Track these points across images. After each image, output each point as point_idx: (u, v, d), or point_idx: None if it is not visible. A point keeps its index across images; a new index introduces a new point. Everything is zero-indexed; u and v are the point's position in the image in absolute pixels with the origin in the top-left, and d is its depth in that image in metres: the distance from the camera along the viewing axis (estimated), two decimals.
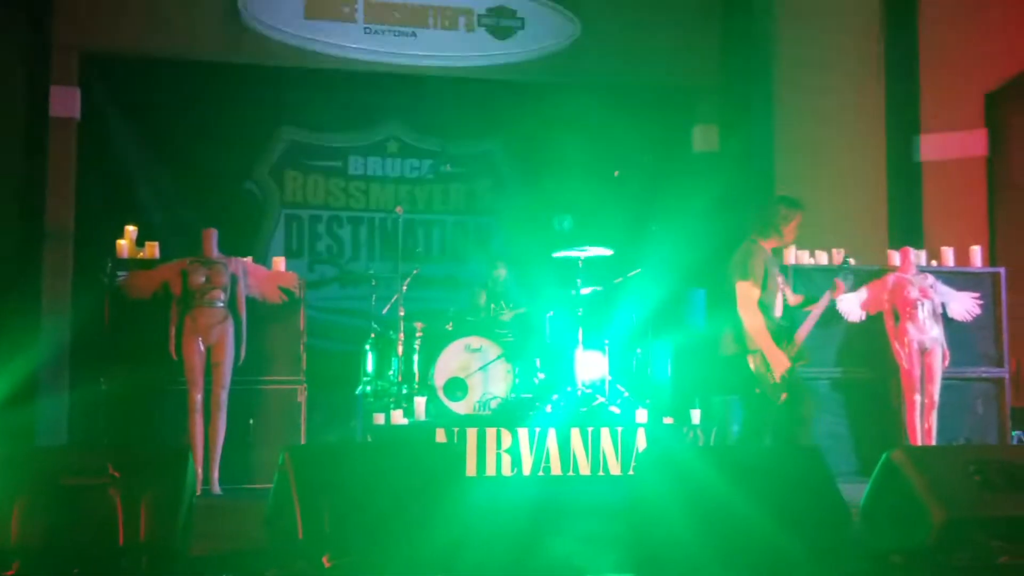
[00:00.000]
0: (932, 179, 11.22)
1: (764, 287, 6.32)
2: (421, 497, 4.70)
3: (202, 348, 7.33)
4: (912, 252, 8.31)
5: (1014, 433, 8.64)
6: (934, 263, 8.60)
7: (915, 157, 11.26)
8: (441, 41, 10.91)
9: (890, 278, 8.17)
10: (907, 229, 10.83)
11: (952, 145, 11.21)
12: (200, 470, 7.21)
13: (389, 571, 4.46)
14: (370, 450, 5.90)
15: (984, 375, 8.52)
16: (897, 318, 8.05)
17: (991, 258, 10.07)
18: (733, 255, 6.50)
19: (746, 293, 6.29)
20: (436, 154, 11.01)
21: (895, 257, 8.36)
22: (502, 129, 11.14)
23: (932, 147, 11.26)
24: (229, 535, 5.63)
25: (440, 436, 7.66)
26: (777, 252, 6.92)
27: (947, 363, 8.09)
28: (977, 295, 8.46)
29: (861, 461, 8.23)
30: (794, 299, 6.71)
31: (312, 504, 4.52)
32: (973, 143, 11.15)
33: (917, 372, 7.97)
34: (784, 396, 6.18)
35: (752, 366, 6.26)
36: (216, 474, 7.34)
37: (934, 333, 8.04)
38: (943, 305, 8.22)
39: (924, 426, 7.96)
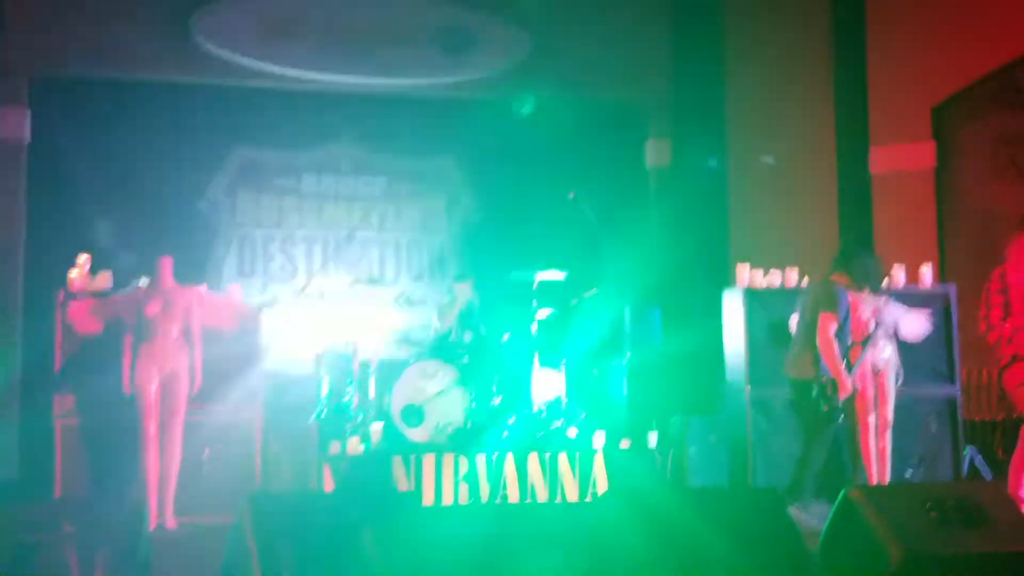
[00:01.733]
0: (882, 192, 11.35)
1: (841, 319, 7.26)
2: (381, 541, 4.68)
3: (156, 379, 7.25)
4: None
5: (966, 450, 8.74)
6: (885, 282, 8.68)
7: (865, 170, 11.38)
8: (393, 59, 10.86)
9: None
10: (859, 245, 10.93)
11: (901, 158, 11.34)
12: (154, 503, 7.14)
13: None
14: (328, 497, 5.87)
15: (936, 393, 8.61)
16: None
17: (941, 272, 10.20)
18: (813, 288, 7.46)
19: (825, 325, 7.13)
20: (390, 172, 10.98)
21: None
22: (456, 146, 11.13)
23: (882, 160, 11.39)
24: None
25: (397, 464, 7.64)
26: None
27: (900, 383, 8.16)
28: (929, 313, 8.54)
29: (816, 482, 8.30)
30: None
31: (270, 553, 4.48)
32: (921, 156, 11.29)
33: (870, 393, 8.01)
34: (843, 418, 7.22)
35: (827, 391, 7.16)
36: (171, 508, 7.25)
37: (887, 353, 8.10)
38: (895, 324, 8.29)
39: (878, 446, 8.02)
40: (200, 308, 7.49)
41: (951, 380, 8.64)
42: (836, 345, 7.16)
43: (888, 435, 8.02)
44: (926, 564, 4.65)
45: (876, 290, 7.44)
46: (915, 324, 8.44)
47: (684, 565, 4.62)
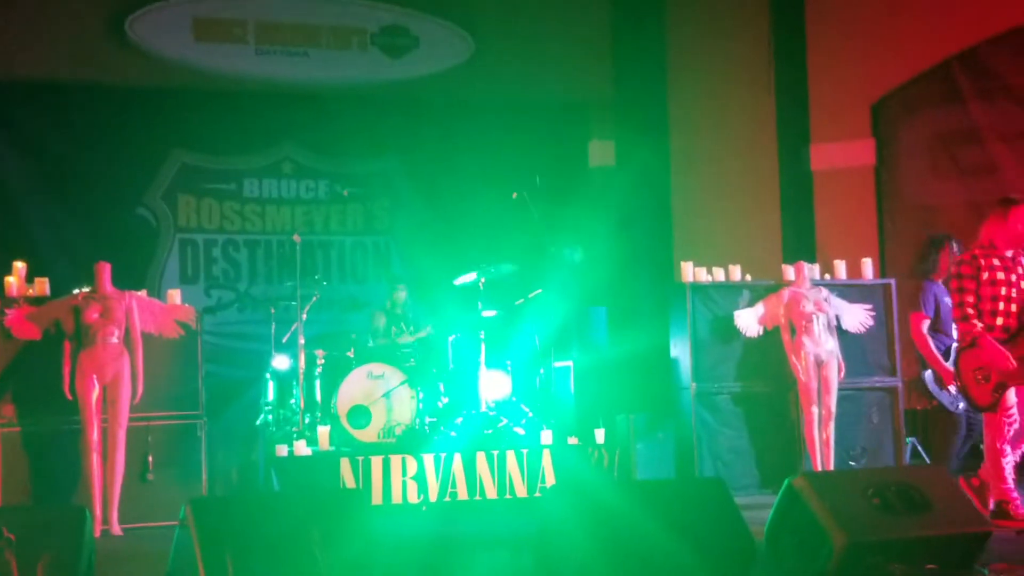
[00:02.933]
0: (823, 190, 11.47)
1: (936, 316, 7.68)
2: (326, 541, 4.65)
3: (97, 386, 7.16)
4: (806, 266, 8.47)
5: (908, 439, 8.87)
6: (827, 276, 8.78)
7: (806, 167, 11.50)
8: (334, 61, 10.82)
9: (785, 293, 8.33)
10: (800, 242, 11.06)
11: (841, 155, 11.48)
12: (99, 510, 7.06)
13: None
14: (273, 499, 5.82)
15: (878, 384, 8.73)
16: (793, 332, 8.20)
17: (881, 269, 10.34)
18: None
19: (917, 323, 7.68)
20: (332, 174, 10.92)
21: (789, 272, 8.52)
22: (399, 148, 11.07)
23: (822, 157, 11.51)
24: None
25: (345, 466, 7.60)
26: None
27: (843, 375, 8.26)
28: (870, 307, 8.67)
29: (762, 474, 8.40)
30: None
31: (215, 557, 4.43)
32: (861, 153, 11.43)
33: (814, 384, 8.13)
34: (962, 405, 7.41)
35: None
36: (115, 515, 7.17)
37: (829, 346, 8.21)
38: (837, 318, 8.40)
39: (822, 437, 8.12)
40: (140, 314, 7.41)
41: (892, 372, 8.76)
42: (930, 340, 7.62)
43: (831, 426, 8.13)
44: (869, 550, 4.70)
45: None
46: (857, 317, 8.57)
47: (631, 558, 4.64)
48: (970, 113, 10.88)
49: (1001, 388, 6.36)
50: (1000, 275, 6.45)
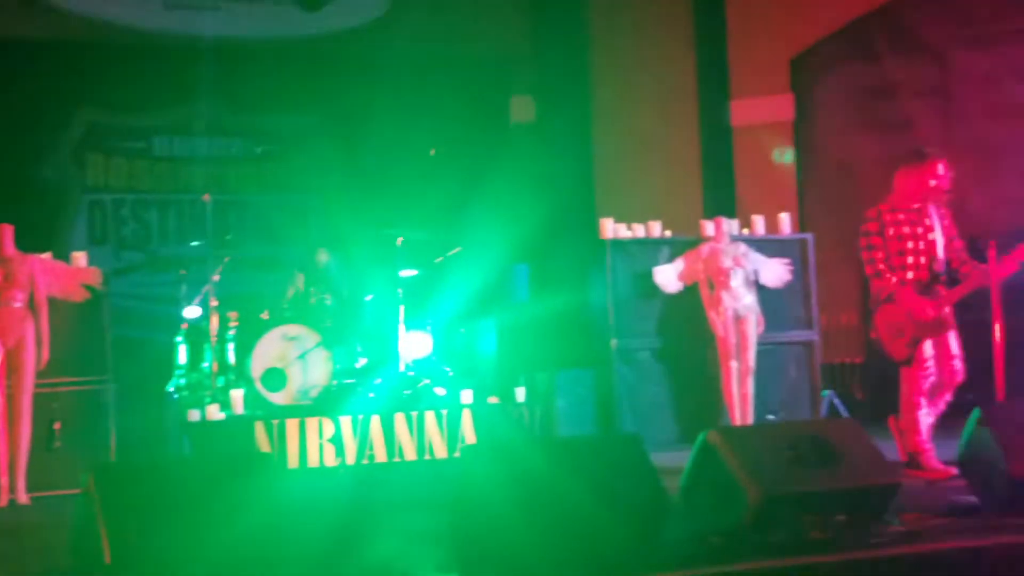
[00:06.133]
0: (743, 145, 11.51)
1: None
2: (235, 506, 4.54)
3: (1, 351, 6.93)
4: (724, 222, 8.47)
5: (824, 392, 8.96)
6: (746, 231, 8.80)
7: (726, 123, 11.51)
8: (248, 15, 10.56)
9: (704, 248, 8.32)
10: (721, 198, 11.09)
11: (761, 110, 11.51)
12: (5, 479, 6.86)
13: None
14: (181, 465, 5.67)
15: (796, 338, 8.80)
16: (712, 287, 8.20)
17: (800, 223, 10.40)
18: None
19: None
20: (247, 132, 10.67)
21: (708, 227, 8.51)
22: (317, 105, 10.86)
23: (742, 112, 11.53)
24: (35, 553, 5.35)
25: (259, 430, 7.47)
26: None
27: (761, 329, 8.30)
28: (787, 261, 8.70)
29: (682, 429, 8.42)
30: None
31: (119, 525, 4.29)
32: (780, 108, 11.47)
33: (733, 339, 8.15)
34: None
35: None
36: (22, 483, 6.95)
37: (748, 301, 8.23)
38: (756, 272, 8.42)
39: (741, 391, 8.16)
40: (44, 277, 7.17)
41: (809, 325, 8.82)
42: None
43: (750, 381, 8.17)
44: (782, 503, 4.70)
45: None
46: (775, 272, 8.60)
47: (547, 515, 4.58)
48: (885, 69, 10.96)
49: (915, 342, 6.42)
50: (906, 229, 6.48)
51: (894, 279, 6.41)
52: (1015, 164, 10.36)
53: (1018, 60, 10.43)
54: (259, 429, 7.47)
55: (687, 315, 8.43)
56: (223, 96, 10.61)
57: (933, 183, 6.48)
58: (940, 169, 6.48)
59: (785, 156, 9.87)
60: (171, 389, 8.50)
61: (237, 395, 7.79)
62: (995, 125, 10.50)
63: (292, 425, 7.51)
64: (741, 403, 8.12)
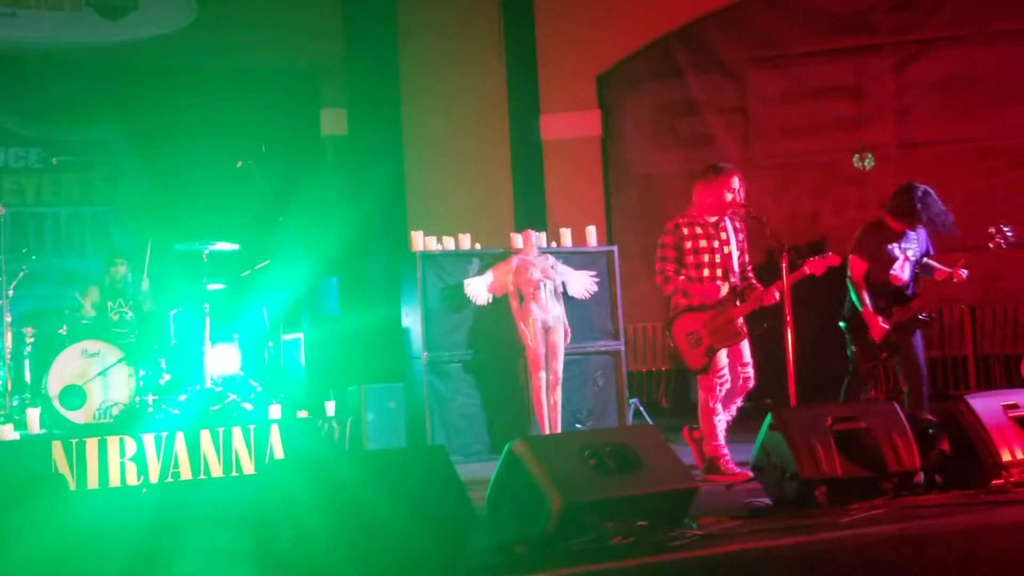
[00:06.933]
0: (553, 160, 11.73)
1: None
2: (25, 530, 4.37)
3: None
4: (533, 234, 8.60)
5: (631, 400, 9.20)
6: (554, 244, 8.96)
7: (536, 138, 11.71)
8: (45, 21, 10.16)
9: (513, 260, 8.44)
10: (531, 210, 11.28)
11: (569, 126, 11.75)
12: None
13: None
14: None
15: (603, 348, 9.00)
16: (521, 299, 8.31)
17: (608, 236, 10.67)
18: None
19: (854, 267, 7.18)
20: (45, 141, 10.27)
21: (518, 240, 8.63)
22: (120, 115, 10.50)
23: (552, 127, 11.76)
24: None
25: (57, 450, 7.18)
26: None
27: (569, 340, 8.46)
28: (594, 273, 8.90)
29: (493, 440, 8.50)
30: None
31: None
32: (589, 123, 11.75)
33: (542, 350, 8.27)
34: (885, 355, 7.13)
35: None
36: None
37: (556, 312, 8.38)
38: (564, 284, 8.58)
39: (550, 401, 8.29)
40: None
41: (616, 336, 9.04)
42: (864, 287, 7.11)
43: (558, 390, 8.31)
44: (584, 511, 4.80)
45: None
46: (582, 283, 8.79)
47: (353, 529, 4.57)
48: (688, 86, 11.37)
49: (711, 352, 6.67)
50: (703, 243, 6.74)
51: (682, 281, 6.66)
52: (808, 180, 10.90)
53: (811, 80, 10.97)
54: (57, 449, 7.17)
55: (497, 327, 8.53)
56: (19, 105, 10.23)
57: (729, 197, 6.75)
58: (735, 183, 6.76)
59: (867, 161, 10.05)
60: None
61: (33, 414, 7.48)
62: (790, 141, 11.02)
63: (92, 444, 7.24)
64: (551, 413, 8.25)
